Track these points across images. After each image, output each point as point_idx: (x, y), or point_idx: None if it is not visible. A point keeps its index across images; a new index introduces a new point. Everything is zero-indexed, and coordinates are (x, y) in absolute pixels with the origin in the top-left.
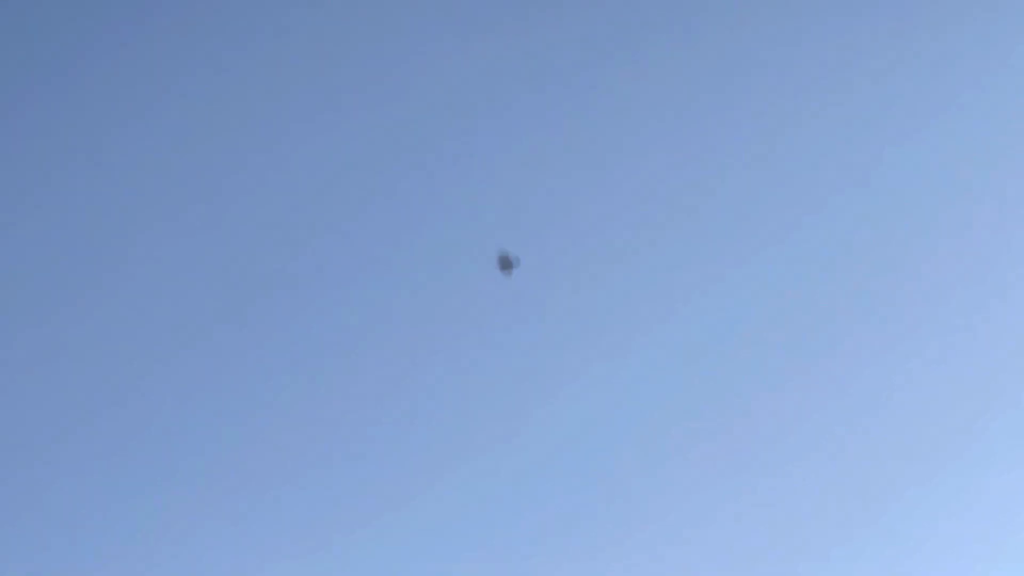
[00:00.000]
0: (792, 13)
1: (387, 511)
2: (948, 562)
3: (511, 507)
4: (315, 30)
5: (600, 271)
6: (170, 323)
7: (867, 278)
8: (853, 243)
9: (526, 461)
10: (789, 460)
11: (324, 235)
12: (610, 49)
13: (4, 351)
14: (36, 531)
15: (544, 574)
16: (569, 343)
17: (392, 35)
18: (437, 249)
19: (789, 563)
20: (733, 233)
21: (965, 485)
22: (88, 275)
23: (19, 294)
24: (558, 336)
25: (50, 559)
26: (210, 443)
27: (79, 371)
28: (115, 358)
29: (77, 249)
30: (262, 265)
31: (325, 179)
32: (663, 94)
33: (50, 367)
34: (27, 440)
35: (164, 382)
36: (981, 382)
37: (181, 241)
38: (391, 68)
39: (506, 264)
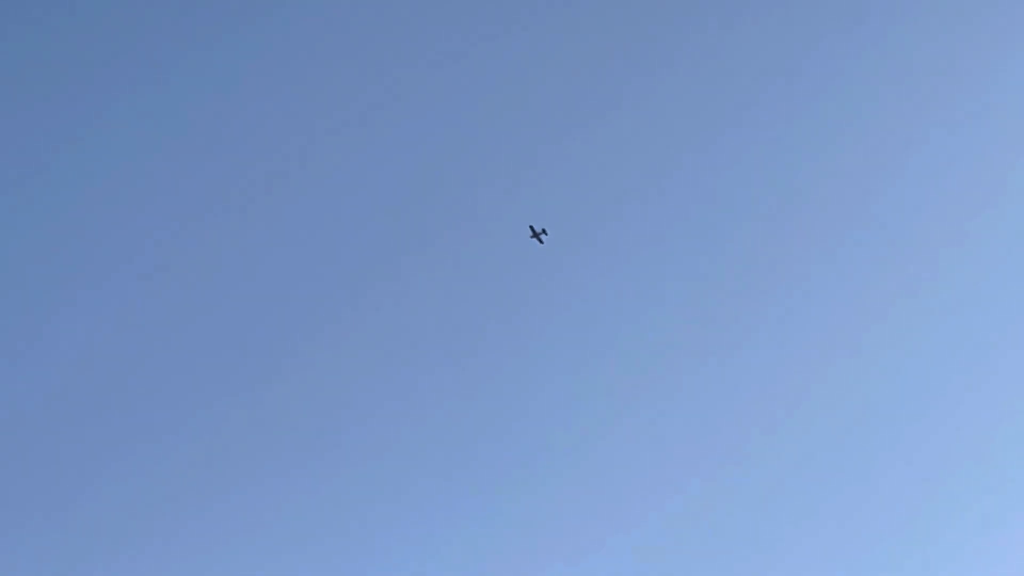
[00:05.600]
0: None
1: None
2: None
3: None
4: (359, 27)
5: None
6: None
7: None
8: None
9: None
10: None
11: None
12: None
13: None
14: (35, 531)
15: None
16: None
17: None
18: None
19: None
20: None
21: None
22: (88, 277)
23: (18, 296)
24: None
25: (50, 558)
26: (208, 440)
27: (79, 371)
28: (130, 358)
29: (76, 252)
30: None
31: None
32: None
33: (50, 370)
34: (27, 440)
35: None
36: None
37: (182, 238)
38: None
39: (536, 234)
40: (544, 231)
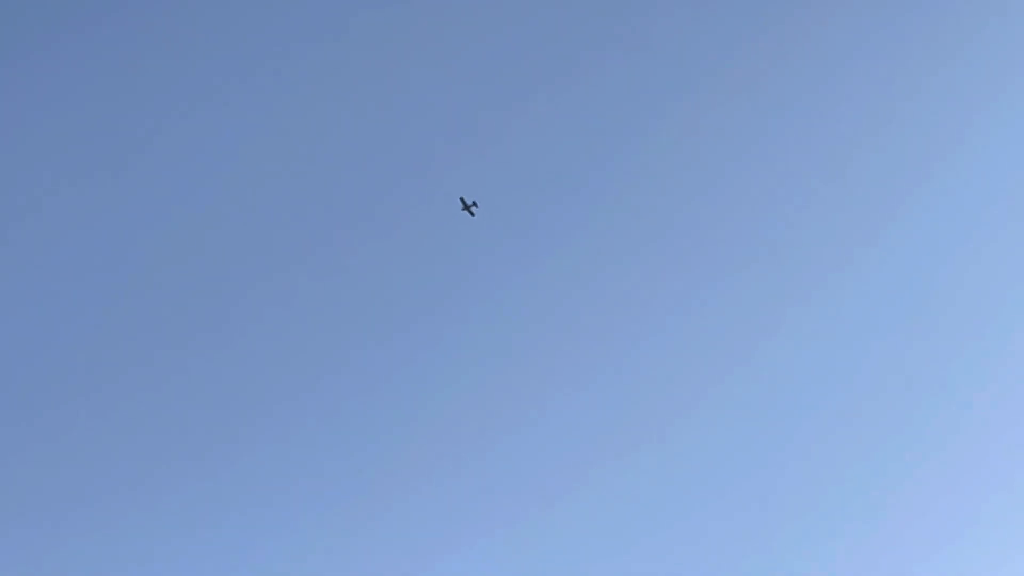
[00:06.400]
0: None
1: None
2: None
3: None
4: (318, 26)
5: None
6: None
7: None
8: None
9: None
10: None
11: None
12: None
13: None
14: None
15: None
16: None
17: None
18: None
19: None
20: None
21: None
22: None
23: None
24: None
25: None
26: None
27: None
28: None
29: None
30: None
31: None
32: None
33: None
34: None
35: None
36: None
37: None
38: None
39: (467, 207)
40: (475, 203)
